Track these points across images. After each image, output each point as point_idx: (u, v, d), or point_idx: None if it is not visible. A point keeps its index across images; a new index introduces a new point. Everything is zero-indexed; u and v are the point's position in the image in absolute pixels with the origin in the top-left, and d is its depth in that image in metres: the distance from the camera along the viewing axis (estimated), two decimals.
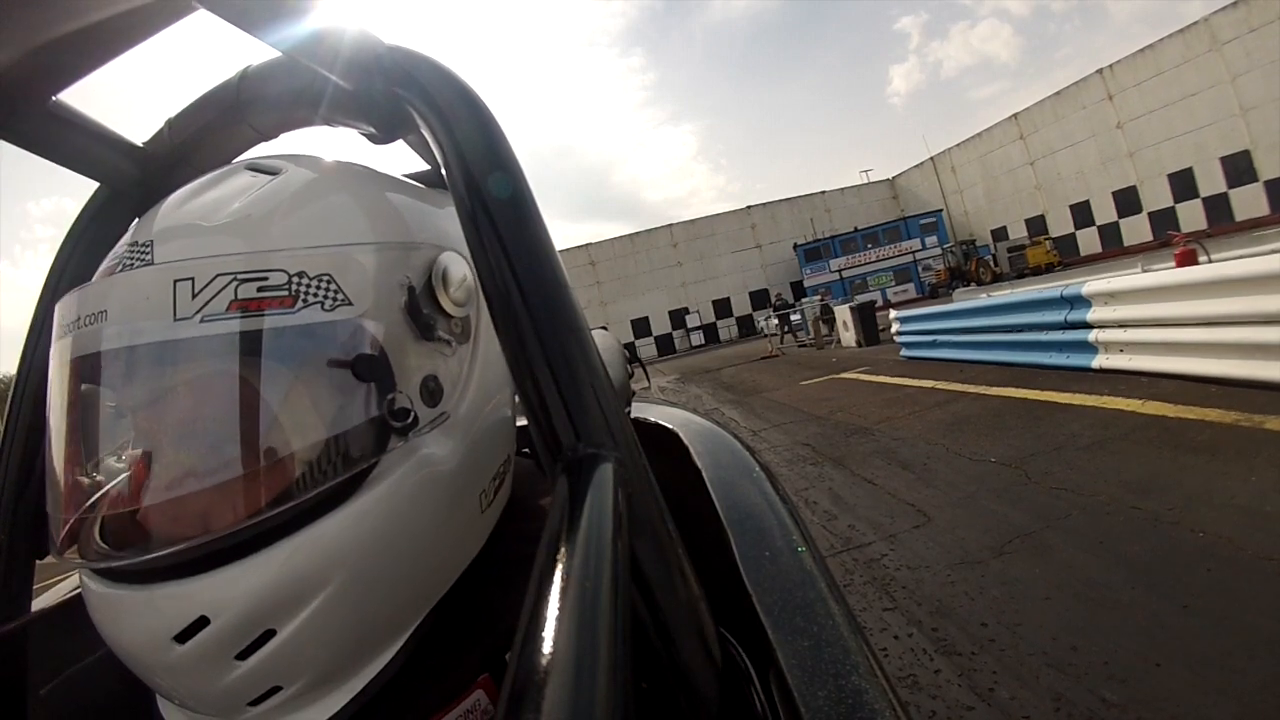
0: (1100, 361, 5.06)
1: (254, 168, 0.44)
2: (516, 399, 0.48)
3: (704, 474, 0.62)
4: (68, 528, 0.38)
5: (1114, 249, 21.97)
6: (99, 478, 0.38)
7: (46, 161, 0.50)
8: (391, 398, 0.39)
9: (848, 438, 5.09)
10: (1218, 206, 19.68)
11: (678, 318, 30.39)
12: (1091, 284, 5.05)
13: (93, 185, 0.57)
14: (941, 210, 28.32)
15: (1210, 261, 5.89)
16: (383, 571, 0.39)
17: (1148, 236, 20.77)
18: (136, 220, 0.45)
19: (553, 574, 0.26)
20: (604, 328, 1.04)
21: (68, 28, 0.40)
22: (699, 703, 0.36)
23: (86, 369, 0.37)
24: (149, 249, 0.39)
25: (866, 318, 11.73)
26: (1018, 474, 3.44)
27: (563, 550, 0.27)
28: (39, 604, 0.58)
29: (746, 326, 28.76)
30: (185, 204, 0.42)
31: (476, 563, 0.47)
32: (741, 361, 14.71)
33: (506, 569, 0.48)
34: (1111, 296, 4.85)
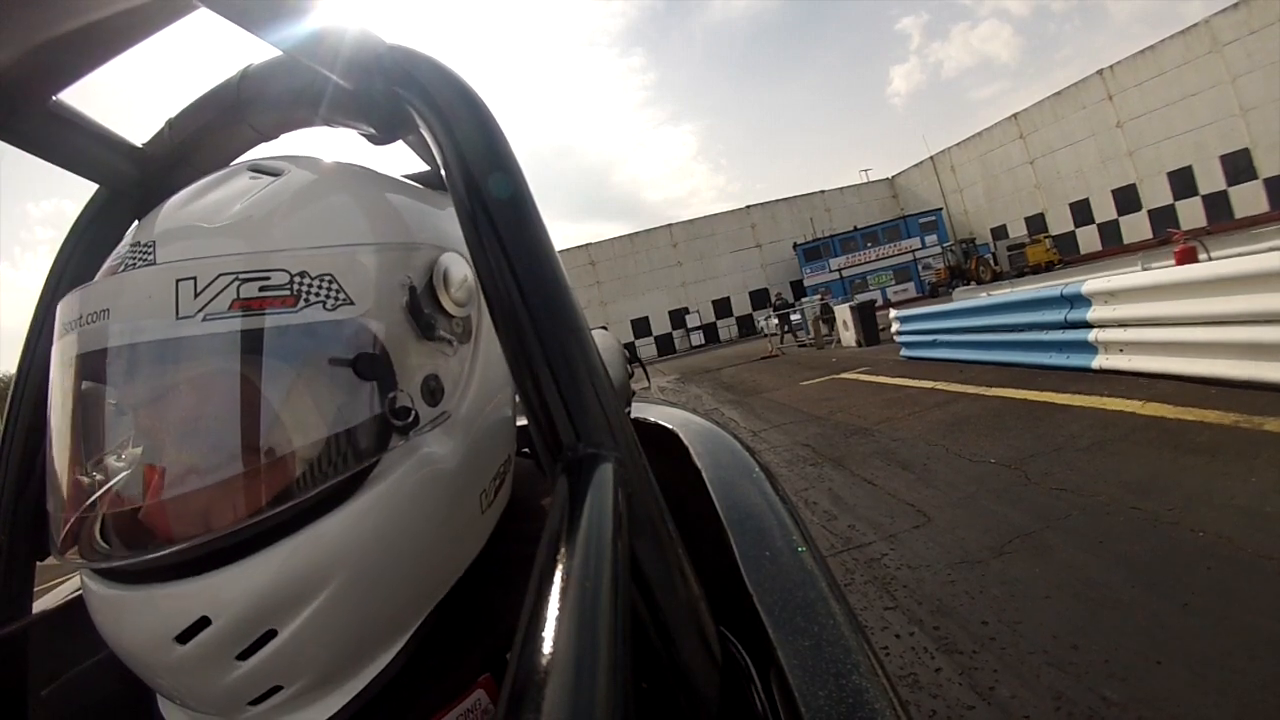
0: (1100, 362, 5.06)
1: (256, 169, 0.44)
2: (516, 399, 0.48)
3: (704, 474, 0.62)
4: (68, 527, 0.38)
5: (1114, 247, 21.97)
6: (100, 477, 0.38)
7: (46, 162, 0.50)
8: (393, 396, 0.39)
9: (848, 438, 5.08)
10: (1217, 204, 19.70)
11: (678, 318, 30.38)
12: (1091, 283, 5.04)
13: (93, 186, 0.57)
14: (941, 209, 28.31)
15: (1210, 259, 5.89)
16: (384, 571, 0.39)
17: (1147, 234, 20.78)
18: (138, 221, 0.44)
19: (553, 574, 0.26)
20: (604, 328, 1.03)
21: (68, 27, 0.40)
22: (699, 702, 0.36)
23: (88, 367, 0.37)
24: (151, 249, 0.39)
25: (866, 317, 11.73)
26: (1017, 474, 3.44)
27: (563, 550, 0.27)
28: (39, 605, 0.58)
29: (746, 326, 28.75)
30: (187, 205, 0.42)
31: (477, 562, 0.47)
32: (741, 361, 14.71)
33: (507, 569, 0.48)
34: (1111, 295, 4.85)
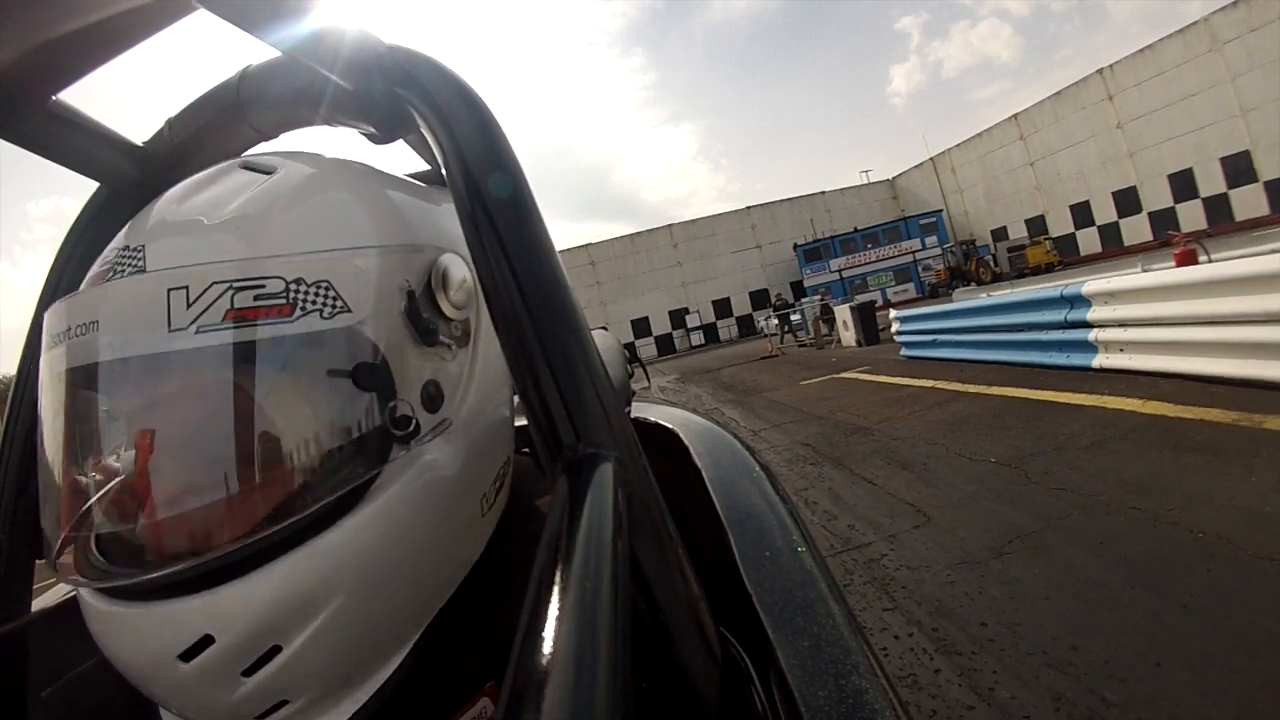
0: (1100, 361, 5.06)
1: (248, 166, 0.43)
2: (515, 398, 0.48)
3: (704, 474, 0.62)
4: (64, 544, 0.37)
5: (1114, 249, 21.96)
6: (95, 494, 0.36)
7: (46, 161, 0.50)
8: (393, 406, 0.38)
9: (848, 437, 5.08)
10: (1218, 206, 19.68)
11: (678, 318, 30.38)
12: (1091, 283, 5.04)
13: (93, 185, 0.57)
14: (941, 210, 28.31)
15: (1210, 261, 5.89)
16: (388, 582, 0.38)
17: (1148, 236, 20.77)
18: (129, 223, 0.43)
19: (553, 574, 0.26)
20: (604, 328, 1.04)
21: (68, 27, 0.40)
22: (699, 703, 0.36)
23: (79, 380, 0.36)
24: (140, 255, 0.37)
25: (866, 317, 11.73)
26: (1018, 474, 3.44)
27: (563, 550, 0.27)
28: (39, 604, 0.58)
29: (746, 326, 28.75)
30: (178, 206, 0.41)
31: (477, 564, 0.47)
32: (741, 361, 14.70)
33: (507, 570, 0.48)
34: (1111, 296, 4.85)
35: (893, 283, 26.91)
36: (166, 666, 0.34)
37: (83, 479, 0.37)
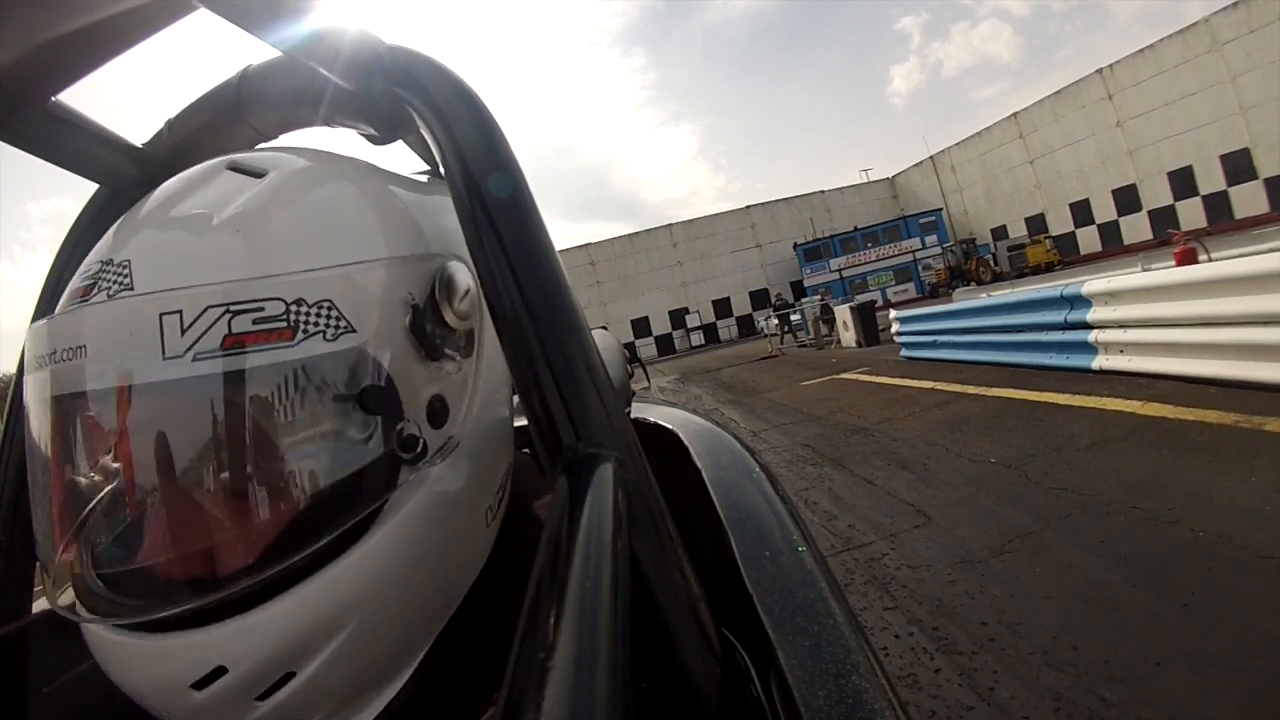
0: (1100, 362, 5.06)
1: (237, 167, 0.41)
2: (514, 398, 0.48)
3: (704, 474, 0.62)
4: (62, 576, 0.36)
5: (1114, 248, 21.98)
6: (97, 528, 0.35)
7: (46, 162, 0.50)
8: (400, 427, 0.37)
9: (848, 438, 5.08)
10: (1217, 204, 19.70)
11: (678, 318, 30.39)
12: (1091, 284, 5.04)
13: (93, 186, 0.57)
14: (941, 209, 28.33)
15: (1210, 260, 5.89)
16: (400, 602, 0.38)
17: (1148, 235, 20.80)
18: (112, 230, 0.40)
19: (552, 574, 0.26)
20: (604, 328, 1.04)
21: (68, 28, 0.40)
22: (699, 702, 0.36)
23: (68, 408, 0.34)
24: (126, 270, 0.35)
25: (866, 318, 11.73)
26: (1018, 474, 3.44)
27: (563, 550, 0.27)
28: (39, 605, 0.58)
29: (746, 326, 28.76)
30: (164, 214, 0.38)
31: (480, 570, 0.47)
32: (741, 361, 14.70)
33: (508, 572, 0.48)
34: (1111, 296, 4.85)
35: (893, 282, 26.91)
36: (178, 695, 0.34)
37: (82, 513, 0.35)
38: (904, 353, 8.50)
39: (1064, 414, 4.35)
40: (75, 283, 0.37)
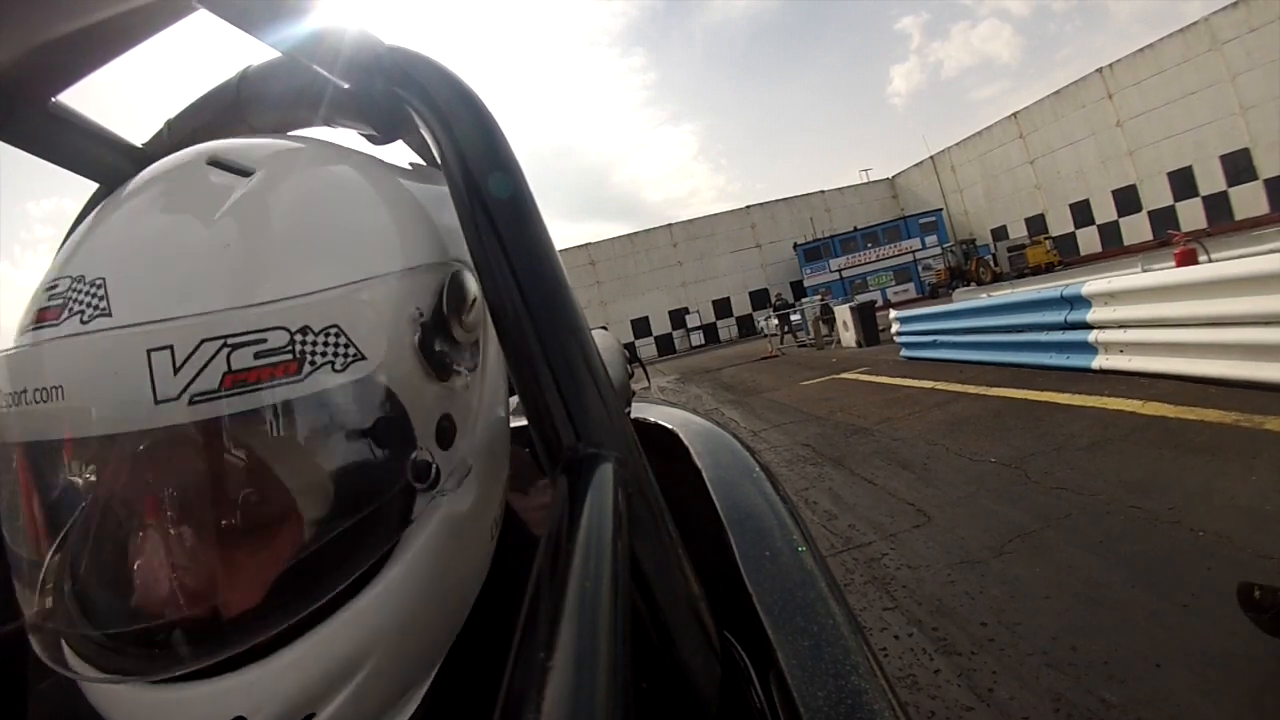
0: (1100, 362, 5.06)
1: (218, 162, 0.36)
2: (513, 398, 0.48)
3: (704, 474, 0.62)
4: (59, 635, 0.33)
5: (1114, 248, 21.97)
6: (98, 588, 0.33)
7: (46, 162, 0.50)
8: (414, 456, 0.35)
9: (848, 438, 5.08)
10: (1217, 205, 19.70)
11: (678, 318, 30.38)
12: (1091, 284, 5.05)
13: (93, 186, 0.57)
14: (941, 209, 28.32)
15: (1210, 261, 5.89)
16: (418, 630, 0.37)
17: (1148, 235, 20.78)
18: (77, 236, 0.36)
19: (552, 573, 0.26)
20: (604, 328, 1.04)
21: (68, 28, 0.40)
22: (699, 703, 0.36)
23: (46, 457, 0.31)
24: (101, 291, 0.31)
25: (866, 318, 11.74)
26: (1018, 474, 3.44)
27: (562, 550, 0.27)
28: None
29: (746, 326, 28.75)
30: (139, 220, 0.35)
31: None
32: (741, 361, 14.70)
33: (509, 576, 0.47)
34: (1111, 296, 4.85)
35: (893, 282, 26.90)
36: None
37: (77, 570, 0.33)
38: (904, 353, 8.50)
39: (1064, 413, 4.35)
40: (40, 298, 0.33)
